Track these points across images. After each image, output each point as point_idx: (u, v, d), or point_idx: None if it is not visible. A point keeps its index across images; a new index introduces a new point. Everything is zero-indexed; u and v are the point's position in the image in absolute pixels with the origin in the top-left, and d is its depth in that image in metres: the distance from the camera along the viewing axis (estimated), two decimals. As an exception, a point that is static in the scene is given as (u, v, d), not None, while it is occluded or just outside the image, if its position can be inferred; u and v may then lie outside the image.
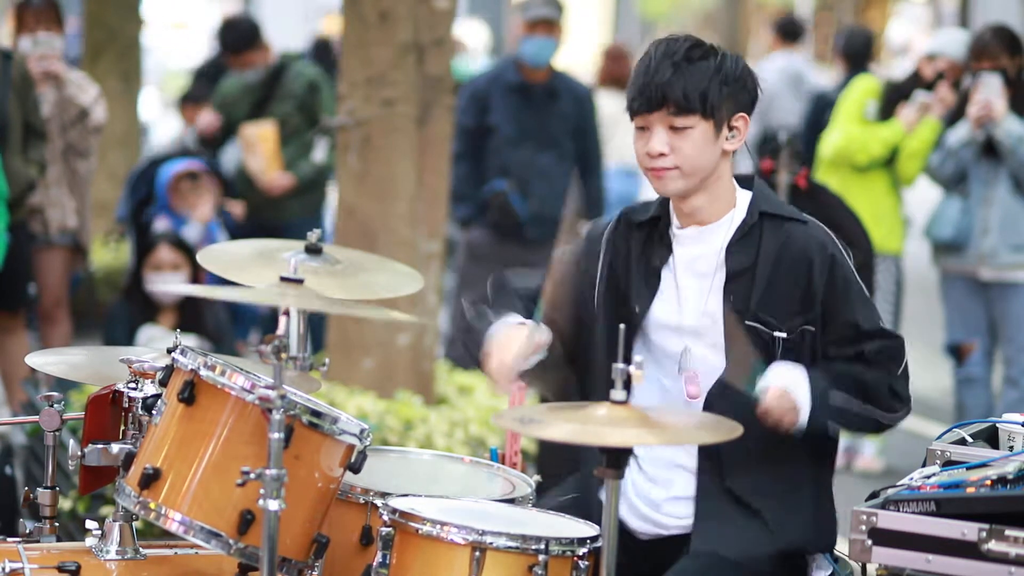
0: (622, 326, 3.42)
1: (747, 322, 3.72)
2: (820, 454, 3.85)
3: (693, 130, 3.70)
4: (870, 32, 9.92)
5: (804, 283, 3.72)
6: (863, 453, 8.24)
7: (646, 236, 3.88)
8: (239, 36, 9.72)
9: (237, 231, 8.61)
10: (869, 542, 3.43)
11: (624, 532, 3.76)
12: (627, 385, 3.37)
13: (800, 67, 12.21)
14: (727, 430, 3.42)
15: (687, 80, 3.68)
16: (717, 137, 3.73)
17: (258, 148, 9.25)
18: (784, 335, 3.72)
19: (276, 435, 3.39)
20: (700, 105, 3.69)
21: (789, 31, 12.49)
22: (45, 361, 4.18)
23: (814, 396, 3.65)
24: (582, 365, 3.90)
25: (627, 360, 3.38)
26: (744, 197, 3.83)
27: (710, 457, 3.76)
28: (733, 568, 3.66)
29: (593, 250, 3.95)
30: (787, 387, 3.64)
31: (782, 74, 11.81)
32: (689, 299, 3.80)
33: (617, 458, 3.32)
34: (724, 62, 3.73)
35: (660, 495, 3.83)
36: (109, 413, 3.84)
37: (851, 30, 9.97)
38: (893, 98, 8.02)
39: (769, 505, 3.74)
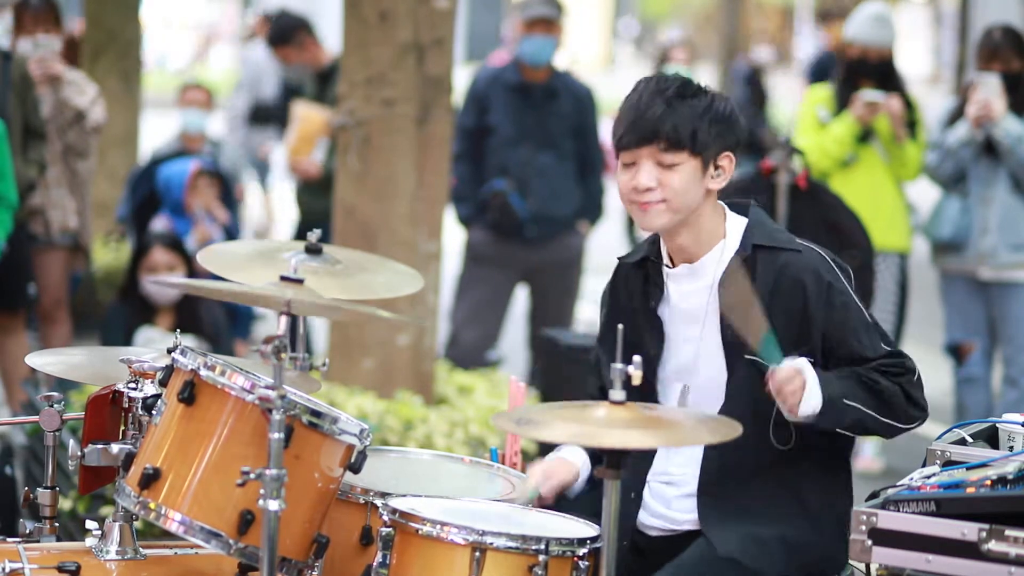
0: (620, 326, 3.42)
1: (746, 356, 3.72)
2: (833, 475, 3.85)
3: (681, 166, 3.72)
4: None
5: (800, 313, 3.72)
6: (863, 453, 8.23)
7: (642, 279, 3.90)
8: (274, 30, 9.75)
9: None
10: (869, 542, 3.43)
11: (635, 530, 3.77)
12: (626, 385, 3.37)
13: None
14: (727, 430, 3.42)
15: (678, 117, 3.70)
16: (704, 175, 3.74)
17: (296, 125, 9.22)
18: None
19: (276, 435, 3.39)
20: (690, 142, 3.70)
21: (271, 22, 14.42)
22: (45, 361, 4.18)
23: (827, 395, 3.64)
24: None
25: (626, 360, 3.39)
26: (737, 227, 3.82)
27: (712, 471, 3.77)
28: (746, 569, 3.67)
29: (601, 303, 4.00)
30: (800, 369, 3.63)
31: (265, 56, 13.16)
32: (683, 337, 3.81)
33: (617, 458, 3.32)
34: (714, 102, 3.74)
35: (672, 492, 3.83)
36: (109, 413, 3.84)
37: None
38: (842, 95, 7.97)
39: (782, 528, 3.74)
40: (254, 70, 13.79)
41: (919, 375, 3.77)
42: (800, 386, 3.62)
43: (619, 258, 3.98)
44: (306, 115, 9.15)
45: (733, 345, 3.73)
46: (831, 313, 3.72)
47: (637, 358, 3.41)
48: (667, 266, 3.84)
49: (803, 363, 3.65)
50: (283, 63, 9.88)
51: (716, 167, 3.76)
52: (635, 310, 3.88)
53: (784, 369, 3.63)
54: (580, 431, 3.33)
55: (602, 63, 40.15)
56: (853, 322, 3.74)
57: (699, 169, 3.73)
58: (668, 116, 3.70)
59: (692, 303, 3.80)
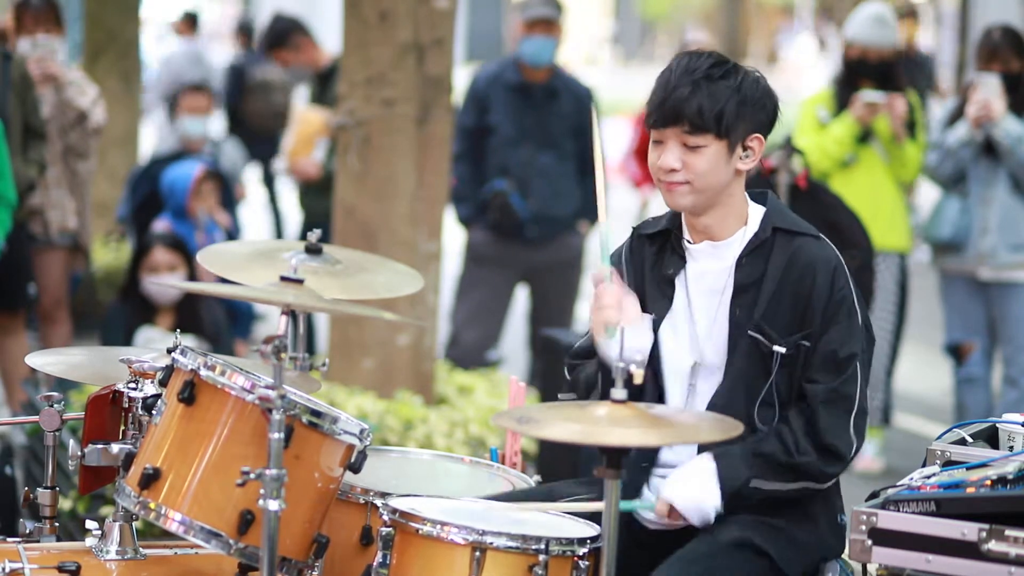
0: (622, 325, 3.42)
1: (749, 332, 3.72)
2: None
3: (706, 148, 3.71)
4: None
5: (806, 297, 3.72)
6: (863, 453, 8.23)
7: (659, 247, 3.89)
8: (269, 34, 9.74)
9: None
10: (869, 542, 3.43)
11: (635, 523, 3.78)
12: (628, 384, 3.37)
13: (197, 50, 15.01)
14: (728, 429, 3.42)
15: (704, 99, 3.68)
16: (730, 157, 3.73)
17: (296, 128, 9.21)
18: (783, 350, 3.72)
19: (276, 435, 3.39)
20: (715, 125, 3.68)
21: (192, 21, 15.52)
22: (45, 361, 4.18)
23: (730, 486, 3.67)
24: None
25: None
26: (757, 213, 3.82)
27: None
28: (755, 552, 3.67)
29: (616, 273, 3.96)
30: (677, 503, 3.68)
31: (186, 56, 14.62)
32: (700, 314, 3.81)
33: (617, 458, 3.32)
34: (744, 82, 3.72)
35: None
36: (109, 413, 3.84)
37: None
38: (842, 95, 7.97)
39: (780, 515, 3.75)
40: (175, 70, 13.86)
41: (858, 411, 3.72)
42: (677, 518, 3.71)
43: (634, 228, 3.96)
44: (305, 116, 9.14)
45: (738, 323, 3.74)
46: (830, 301, 3.72)
47: (640, 356, 3.41)
48: (689, 241, 3.84)
49: (689, 487, 3.69)
50: (282, 66, 9.87)
51: (745, 148, 3.75)
52: (647, 275, 3.88)
53: (661, 506, 3.71)
54: (581, 429, 3.33)
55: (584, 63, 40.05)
56: (843, 318, 3.72)
57: (725, 151, 3.72)
58: (693, 98, 3.68)
59: (709, 282, 3.80)
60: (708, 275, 3.81)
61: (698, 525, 3.69)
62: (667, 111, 3.70)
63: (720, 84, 3.69)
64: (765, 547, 3.67)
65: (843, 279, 3.74)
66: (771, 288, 3.73)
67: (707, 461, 3.69)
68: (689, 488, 3.69)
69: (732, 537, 3.68)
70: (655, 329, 3.83)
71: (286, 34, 9.70)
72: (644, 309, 3.83)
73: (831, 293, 3.72)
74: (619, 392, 3.37)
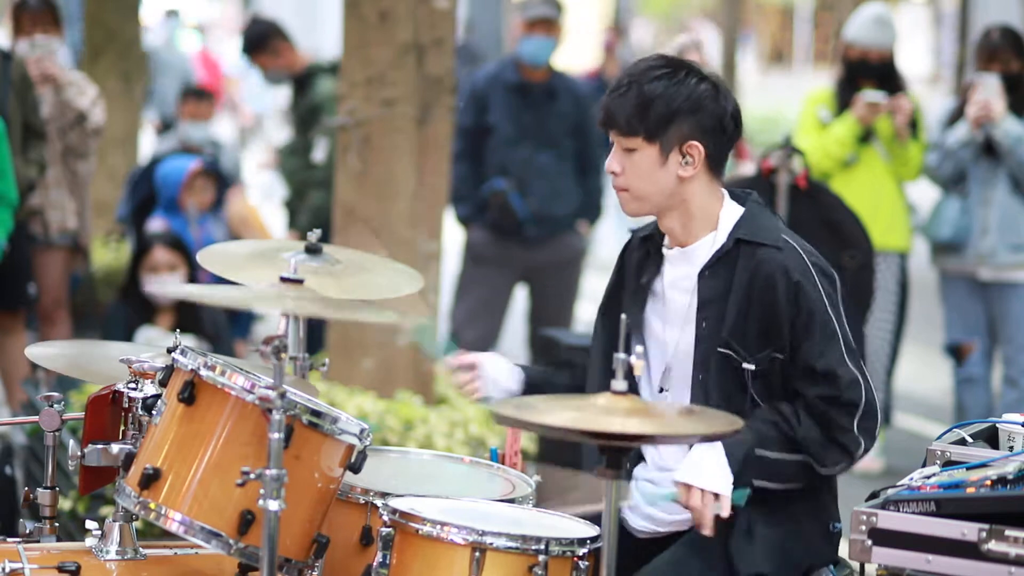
0: (623, 316, 3.41)
1: (719, 348, 3.71)
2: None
3: (637, 153, 3.69)
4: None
5: (770, 312, 3.68)
6: (863, 453, 8.22)
7: (644, 252, 3.89)
8: (247, 38, 9.71)
9: None
10: (869, 542, 3.43)
11: (622, 530, 3.77)
12: (628, 376, 3.36)
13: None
14: (727, 423, 3.42)
15: (631, 101, 3.66)
16: (664, 162, 3.69)
17: (250, 223, 9.20)
18: (753, 367, 3.70)
19: (276, 435, 3.39)
20: (639, 127, 3.66)
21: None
22: (44, 353, 4.19)
23: (736, 461, 3.62)
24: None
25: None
26: (731, 218, 3.78)
27: None
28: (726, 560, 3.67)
29: (614, 266, 3.99)
30: (695, 482, 3.60)
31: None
32: (673, 318, 3.81)
33: (617, 458, 3.31)
34: (682, 85, 3.66)
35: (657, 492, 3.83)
36: (109, 413, 3.84)
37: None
38: (843, 95, 7.97)
39: (766, 522, 3.74)
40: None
41: (863, 413, 3.68)
42: (709, 500, 3.59)
43: (631, 229, 3.96)
44: (250, 214, 9.12)
45: (708, 338, 3.73)
46: (797, 315, 3.67)
47: (639, 348, 3.41)
48: (666, 247, 3.84)
49: (700, 469, 3.61)
50: (260, 70, 9.81)
51: (683, 154, 3.69)
52: (628, 280, 3.89)
53: (682, 491, 3.62)
54: (580, 417, 3.31)
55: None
56: (815, 328, 3.67)
57: (657, 156, 3.68)
58: (622, 100, 3.67)
59: (682, 286, 3.79)
60: (681, 280, 3.80)
61: (719, 492, 3.61)
62: (604, 114, 3.71)
63: (653, 85, 3.66)
64: (738, 562, 3.66)
65: (808, 288, 3.67)
66: (737, 303, 3.70)
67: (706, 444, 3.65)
68: (699, 463, 3.63)
69: (704, 544, 3.66)
70: (631, 336, 3.80)
71: (264, 38, 9.63)
72: (621, 311, 3.83)
73: (797, 307, 3.66)
74: (619, 383, 3.35)
